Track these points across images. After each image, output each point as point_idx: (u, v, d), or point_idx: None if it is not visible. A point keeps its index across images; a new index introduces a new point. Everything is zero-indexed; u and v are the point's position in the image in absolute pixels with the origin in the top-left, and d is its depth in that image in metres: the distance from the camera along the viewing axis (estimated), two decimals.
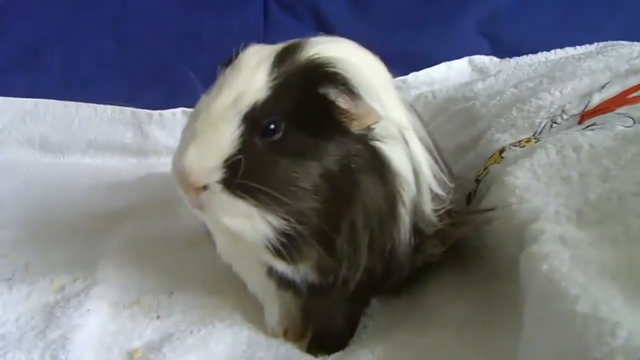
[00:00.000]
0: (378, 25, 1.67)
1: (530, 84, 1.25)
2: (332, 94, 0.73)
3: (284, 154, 0.73)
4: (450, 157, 1.16)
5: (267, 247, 0.75)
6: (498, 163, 1.02)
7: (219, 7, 1.72)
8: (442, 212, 0.87)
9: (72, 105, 1.67)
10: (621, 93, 1.05)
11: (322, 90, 0.74)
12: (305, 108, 0.74)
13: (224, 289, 0.96)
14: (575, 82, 1.15)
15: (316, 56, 0.76)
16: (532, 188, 0.87)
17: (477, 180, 1.05)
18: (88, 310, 0.91)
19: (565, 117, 1.07)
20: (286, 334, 0.91)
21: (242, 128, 0.73)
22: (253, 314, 0.92)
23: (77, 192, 1.45)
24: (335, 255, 0.77)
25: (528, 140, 1.03)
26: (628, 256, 0.67)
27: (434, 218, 0.85)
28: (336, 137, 0.75)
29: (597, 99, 1.06)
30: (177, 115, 1.66)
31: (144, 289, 1.00)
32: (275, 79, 0.75)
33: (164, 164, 1.58)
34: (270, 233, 0.74)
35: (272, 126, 0.73)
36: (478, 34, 1.69)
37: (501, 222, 0.89)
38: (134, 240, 1.15)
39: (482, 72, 1.59)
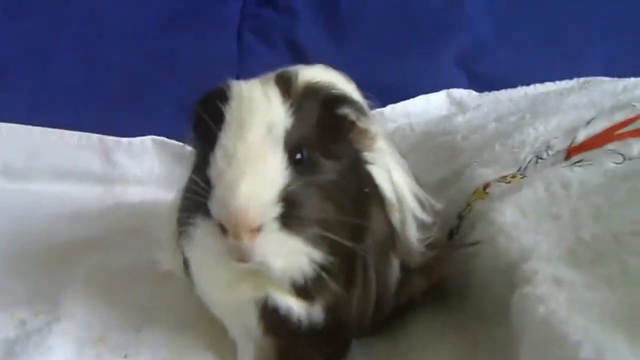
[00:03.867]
0: (355, 56, 1.63)
1: (513, 119, 1.23)
2: (351, 114, 0.73)
3: (316, 183, 0.70)
4: (432, 193, 1.13)
5: (293, 286, 0.71)
6: (482, 199, 0.98)
7: (193, 32, 1.67)
8: (426, 242, 0.83)
9: (37, 130, 1.60)
10: (608, 129, 1.02)
11: (340, 111, 0.73)
12: (322, 132, 0.72)
13: (196, 325, 0.90)
14: (560, 117, 1.13)
15: (316, 81, 0.74)
16: (521, 226, 0.84)
17: (460, 217, 1.02)
18: (50, 347, 0.85)
19: (550, 152, 1.04)
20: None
21: (285, 158, 0.69)
22: (226, 353, 0.86)
23: (41, 221, 1.37)
24: (351, 290, 0.73)
25: (513, 176, 1.00)
26: (628, 299, 0.63)
27: (419, 248, 0.82)
28: (350, 161, 0.74)
29: (583, 135, 1.04)
30: (146, 144, 1.59)
31: (111, 325, 0.93)
32: (291, 106, 0.72)
33: (131, 194, 1.53)
34: (310, 270, 0.70)
35: (299, 155, 0.70)
36: (456, 67, 1.66)
37: (487, 260, 0.85)
38: (99, 272, 1.09)
39: (461, 106, 1.56)
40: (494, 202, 0.93)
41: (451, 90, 1.62)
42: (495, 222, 0.87)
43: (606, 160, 0.90)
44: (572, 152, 1.00)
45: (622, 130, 0.99)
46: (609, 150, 0.94)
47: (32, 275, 1.11)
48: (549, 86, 1.53)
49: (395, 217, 0.79)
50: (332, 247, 0.69)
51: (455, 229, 1.01)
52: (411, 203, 0.82)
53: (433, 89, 1.62)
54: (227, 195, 0.66)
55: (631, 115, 1.02)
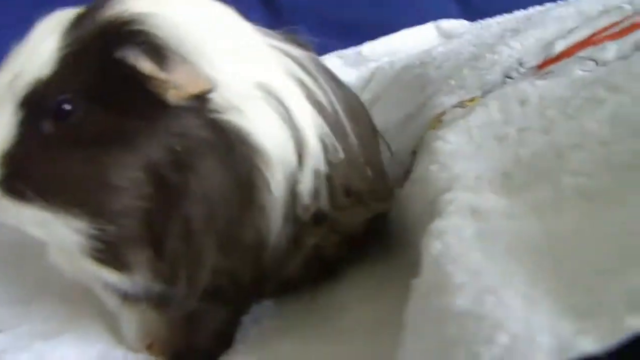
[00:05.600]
0: None
1: (491, 40, 1.04)
2: (131, 56, 0.57)
3: (85, 142, 0.58)
4: (396, 132, 0.97)
5: (88, 256, 0.60)
6: (434, 129, 0.82)
7: None
8: (341, 190, 0.69)
9: None
10: (589, 36, 0.84)
11: (119, 53, 0.57)
12: (107, 80, 0.58)
13: (86, 296, 0.77)
14: (539, 31, 0.94)
15: (120, 14, 0.59)
16: (461, 152, 0.68)
17: (414, 153, 0.86)
18: None
19: (522, 70, 0.86)
20: (151, 348, 0.71)
21: (21, 114, 0.58)
22: (115, 322, 0.73)
23: None
24: (170, 258, 0.60)
25: (472, 100, 0.83)
26: (551, 226, 0.47)
27: (312, 199, 0.67)
28: (152, 115, 0.58)
29: (561, 46, 0.85)
30: None
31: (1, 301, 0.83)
32: (64, 48, 0.58)
33: None
34: (80, 240, 0.58)
35: (67, 106, 0.58)
36: None
37: (419, 198, 0.69)
38: None
39: (451, 39, 1.37)
40: (442, 129, 0.76)
41: (440, 21, 1.43)
42: (434, 151, 0.71)
43: (575, 69, 0.72)
44: (544, 65, 0.82)
45: (601, 35, 0.81)
46: (580, 57, 0.76)
47: None
48: (549, 6, 1.32)
49: (280, 167, 0.64)
50: (120, 214, 0.58)
51: (409, 168, 0.85)
52: (314, 145, 0.67)
53: (420, 22, 1.42)
54: None
55: (616, 19, 0.83)
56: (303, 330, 0.69)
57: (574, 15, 0.96)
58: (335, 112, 0.73)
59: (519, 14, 1.33)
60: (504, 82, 0.85)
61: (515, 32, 1.01)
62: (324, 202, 0.68)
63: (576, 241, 0.44)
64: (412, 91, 1.07)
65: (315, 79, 0.73)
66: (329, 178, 0.68)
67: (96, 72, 0.58)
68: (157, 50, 0.57)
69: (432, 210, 0.60)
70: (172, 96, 0.57)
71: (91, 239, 0.58)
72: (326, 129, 0.69)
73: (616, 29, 0.80)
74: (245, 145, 0.61)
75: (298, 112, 0.66)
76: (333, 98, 0.74)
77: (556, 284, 0.39)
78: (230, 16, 0.67)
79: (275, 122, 0.64)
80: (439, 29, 1.42)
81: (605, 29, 0.82)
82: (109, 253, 0.59)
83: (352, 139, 0.74)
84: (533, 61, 0.86)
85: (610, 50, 0.72)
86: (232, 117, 0.60)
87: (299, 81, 0.70)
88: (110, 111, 0.58)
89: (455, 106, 0.84)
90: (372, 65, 1.35)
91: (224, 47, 0.62)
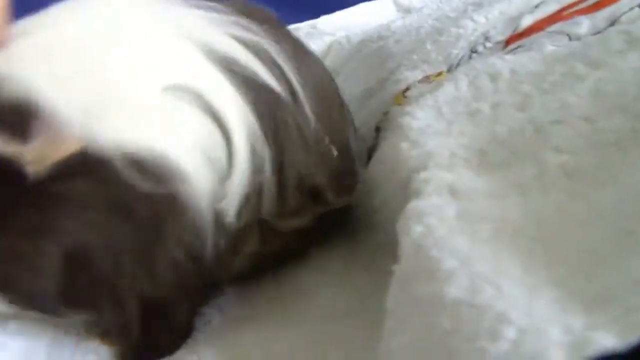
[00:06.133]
0: None
1: (453, 14, 1.01)
2: None
3: None
4: (356, 107, 0.93)
5: None
6: (400, 104, 0.78)
7: None
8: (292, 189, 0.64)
9: None
10: (558, 10, 0.81)
11: None
12: None
13: None
14: (504, 5, 0.91)
15: None
16: (431, 129, 0.64)
17: (377, 129, 0.82)
18: None
19: (488, 44, 0.83)
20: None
21: None
22: None
23: None
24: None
25: (438, 74, 0.80)
26: (537, 207, 0.44)
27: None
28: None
29: (528, 21, 0.83)
30: None
31: None
32: None
33: None
34: None
35: None
36: None
37: (389, 178, 0.65)
38: None
39: (409, 13, 1.34)
40: (409, 105, 0.73)
41: None
42: (402, 128, 0.68)
43: (547, 43, 0.70)
44: (511, 40, 0.80)
45: (572, 10, 0.78)
46: (552, 32, 0.73)
47: None
48: None
49: (202, 177, 0.57)
50: None
51: (372, 146, 0.82)
52: (241, 150, 0.59)
53: None
54: None
55: None
56: (267, 317, 0.65)
57: None
58: (293, 94, 0.66)
59: None
60: (470, 57, 0.82)
61: (478, 5, 0.98)
62: (265, 206, 0.62)
63: (566, 224, 0.42)
64: (371, 66, 1.04)
65: (262, 62, 0.63)
66: (274, 178, 0.62)
67: None
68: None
69: (406, 190, 0.56)
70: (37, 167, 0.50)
71: None
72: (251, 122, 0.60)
73: (584, 4, 0.78)
74: (150, 169, 0.53)
75: (223, 110, 0.58)
76: (292, 78, 0.66)
77: (553, 272, 0.36)
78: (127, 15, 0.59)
79: (188, 130, 0.56)
80: (396, 3, 1.39)
81: (575, 4, 0.80)
82: None
83: (313, 122, 0.67)
84: (499, 36, 0.83)
85: (583, 25, 0.70)
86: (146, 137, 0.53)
87: (229, 69, 0.60)
88: None
89: (420, 81, 0.80)
90: (328, 39, 1.30)
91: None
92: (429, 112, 0.68)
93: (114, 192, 0.52)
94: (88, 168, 0.51)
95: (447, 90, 0.70)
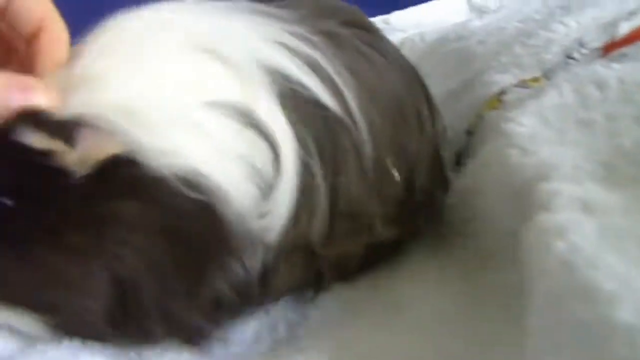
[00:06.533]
0: None
1: (539, 17, 1.00)
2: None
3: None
4: (440, 108, 0.92)
5: None
6: (496, 109, 0.78)
7: None
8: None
9: None
10: None
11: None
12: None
13: None
14: (596, 11, 0.90)
15: None
16: (541, 136, 0.63)
17: (469, 133, 0.81)
18: None
19: (584, 51, 0.82)
20: None
21: None
22: None
23: None
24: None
25: (535, 80, 0.79)
26: None
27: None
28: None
29: (625, 28, 0.81)
30: None
31: None
32: None
33: None
34: None
35: None
36: None
37: (496, 184, 0.65)
38: None
39: (482, 12, 1.33)
40: (510, 110, 0.72)
41: None
42: (508, 134, 0.67)
43: None
44: (610, 48, 0.78)
45: None
46: None
47: None
48: None
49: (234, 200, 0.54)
50: None
51: (464, 149, 0.81)
52: (289, 166, 0.56)
53: None
54: None
55: None
56: (364, 321, 0.65)
57: None
58: (348, 112, 0.61)
59: None
60: (566, 63, 0.81)
61: (567, 9, 0.97)
62: (315, 229, 0.60)
63: None
64: (452, 66, 1.03)
65: (317, 78, 0.60)
66: (326, 201, 0.59)
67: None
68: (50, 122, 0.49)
69: (521, 200, 0.56)
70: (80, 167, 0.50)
71: None
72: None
73: None
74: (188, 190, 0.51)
75: (270, 125, 0.55)
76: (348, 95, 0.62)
77: None
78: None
79: (232, 147, 0.54)
80: (469, 2, 1.38)
81: None
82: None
83: (370, 142, 0.63)
84: (594, 42, 0.82)
85: None
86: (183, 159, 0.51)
87: (279, 84, 0.57)
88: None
89: (516, 86, 0.79)
90: (400, 35, 1.29)
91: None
92: (533, 119, 0.67)
93: (164, 213, 0.51)
94: (138, 188, 0.51)
95: (551, 97, 0.69)
